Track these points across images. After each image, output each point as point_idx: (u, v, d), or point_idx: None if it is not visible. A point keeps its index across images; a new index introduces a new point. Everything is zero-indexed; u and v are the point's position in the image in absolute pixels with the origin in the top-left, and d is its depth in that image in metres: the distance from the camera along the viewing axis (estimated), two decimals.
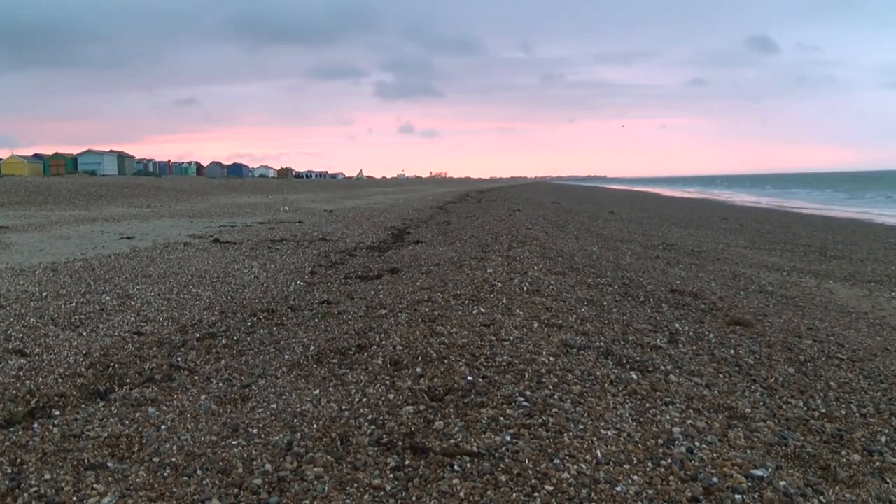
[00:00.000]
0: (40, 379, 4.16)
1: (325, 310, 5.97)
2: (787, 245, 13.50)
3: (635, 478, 2.63)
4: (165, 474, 2.81)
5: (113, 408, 3.68)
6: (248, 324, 5.66)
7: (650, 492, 2.54)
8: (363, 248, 11.00)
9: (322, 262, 9.21)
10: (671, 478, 2.64)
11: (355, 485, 2.64)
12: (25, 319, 5.58)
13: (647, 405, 3.40)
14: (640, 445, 2.91)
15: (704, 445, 2.96)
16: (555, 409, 3.18)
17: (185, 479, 2.75)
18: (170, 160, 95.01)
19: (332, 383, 3.82)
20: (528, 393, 3.38)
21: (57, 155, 73.75)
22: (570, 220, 18.38)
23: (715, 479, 2.63)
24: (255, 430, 3.21)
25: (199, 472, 2.80)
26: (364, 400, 3.48)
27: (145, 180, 42.03)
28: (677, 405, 3.43)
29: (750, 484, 2.63)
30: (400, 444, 2.95)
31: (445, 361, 3.89)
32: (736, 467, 2.75)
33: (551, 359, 3.94)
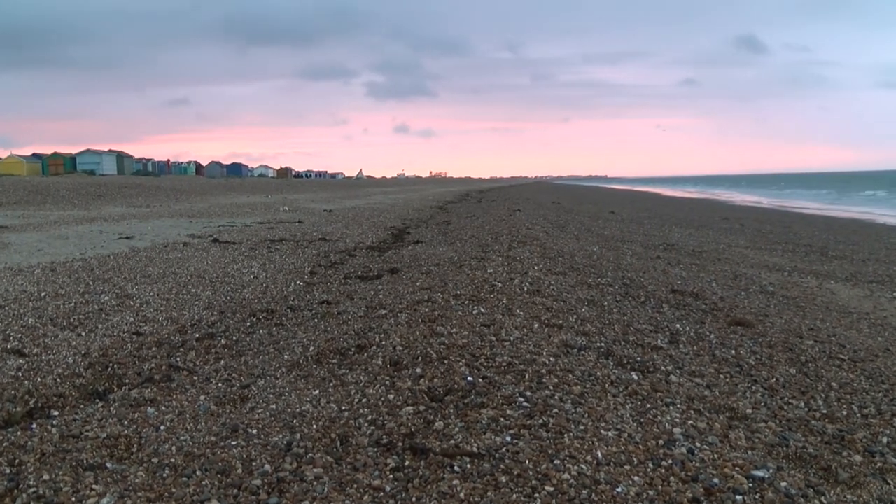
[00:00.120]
0: (39, 379, 4.15)
1: (325, 310, 5.96)
2: (788, 245, 13.48)
3: (636, 478, 2.62)
4: (164, 475, 2.80)
5: (112, 408, 3.67)
6: (248, 324, 5.65)
7: (651, 493, 2.53)
8: (363, 248, 10.99)
9: (322, 262, 9.20)
10: (672, 479, 2.64)
11: (355, 485, 2.63)
12: (24, 319, 5.56)
13: (648, 406, 3.39)
14: (640, 446, 2.90)
15: (705, 446, 2.95)
16: (555, 410, 3.17)
17: (185, 479, 2.74)
18: (169, 160, 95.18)
19: (331, 384, 3.81)
20: (528, 393, 3.37)
21: (55, 154, 73.71)
22: (570, 220, 18.37)
23: (716, 480, 2.62)
24: (255, 431, 3.20)
25: (198, 472, 2.79)
26: (364, 400, 3.47)
27: (144, 180, 42.08)
28: (678, 406, 3.43)
29: (751, 485, 2.62)
30: (400, 444, 2.94)
31: (445, 362, 3.87)
32: (737, 468, 2.74)
33: (552, 359, 3.93)
